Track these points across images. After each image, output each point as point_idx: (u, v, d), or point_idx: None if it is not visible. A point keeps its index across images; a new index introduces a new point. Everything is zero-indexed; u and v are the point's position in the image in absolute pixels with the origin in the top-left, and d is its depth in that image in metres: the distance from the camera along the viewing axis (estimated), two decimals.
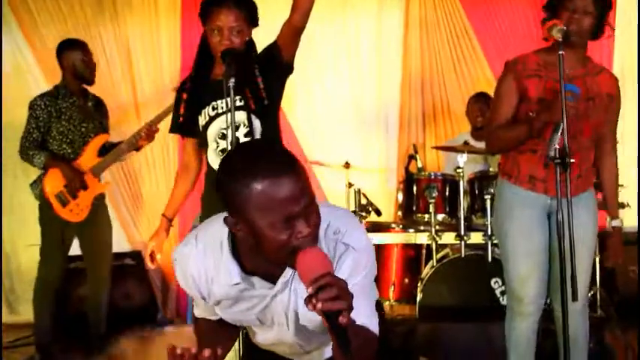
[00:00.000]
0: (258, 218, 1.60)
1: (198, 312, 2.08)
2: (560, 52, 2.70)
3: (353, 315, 1.52)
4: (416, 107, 5.85)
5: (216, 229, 1.81)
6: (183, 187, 3.18)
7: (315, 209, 1.65)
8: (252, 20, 2.99)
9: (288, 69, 3.06)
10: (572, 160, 2.70)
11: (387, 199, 5.70)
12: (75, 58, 4.39)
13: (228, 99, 2.75)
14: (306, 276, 1.54)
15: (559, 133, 2.71)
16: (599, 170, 3.18)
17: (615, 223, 3.17)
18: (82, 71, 4.40)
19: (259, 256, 1.71)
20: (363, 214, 4.87)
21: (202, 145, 3.09)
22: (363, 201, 4.93)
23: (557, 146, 2.70)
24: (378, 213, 4.99)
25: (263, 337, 2.01)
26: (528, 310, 3.03)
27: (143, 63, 5.82)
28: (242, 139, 2.93)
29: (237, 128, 2.89)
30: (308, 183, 1.64)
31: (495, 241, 3.77)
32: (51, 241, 4.39)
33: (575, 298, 2.69)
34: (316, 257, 1.57)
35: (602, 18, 2.96)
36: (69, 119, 4.37)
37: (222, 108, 2.97)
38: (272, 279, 1.80)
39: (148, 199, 5.78)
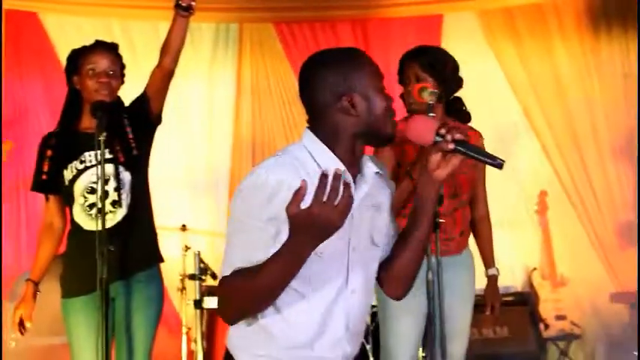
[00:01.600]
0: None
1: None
2: (432, 115, 2.79)
3: None
4: (246, 171, 5.80)
5: (293, 147, 1.86)
6: (48, 247, 2.98)
7: None
8: (122, 72, 2.98)
9: (157, 120, 3.05)
10: (441, 220, 2.83)
11: (217, 263, 5.60)
12: None
13: (99, 152, 2.70)
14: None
15: None
16: (475, 232, 3.21)
17: (491, 271, 3.19)
18: None
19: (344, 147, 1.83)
20: (203, 277, 4.75)
21: (67, 201, 2.93)
22: (202, 264, 4.81)
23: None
24: (214, 277, 4.88)
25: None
26: None
27: None
28: (111, 193, 2.84)
29: (106, 181, 2.79)
30: None
31: None
32: None
33: (444, 357, 2.77)
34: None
35: (446, 79, 2.97)
36: None
37: (90, 161, 2.86)
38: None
39: None
